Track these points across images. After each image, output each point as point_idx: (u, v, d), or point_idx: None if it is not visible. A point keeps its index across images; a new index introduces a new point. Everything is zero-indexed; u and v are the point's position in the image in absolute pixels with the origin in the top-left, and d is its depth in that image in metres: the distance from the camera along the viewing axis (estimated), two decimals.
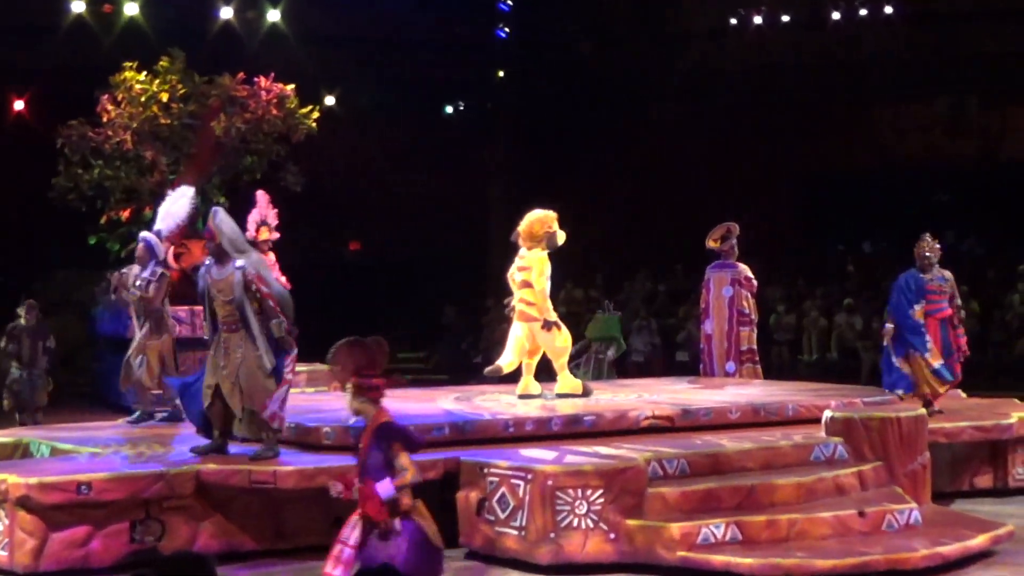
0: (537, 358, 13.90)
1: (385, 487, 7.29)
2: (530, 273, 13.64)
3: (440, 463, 10.89)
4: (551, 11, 30.18)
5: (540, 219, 13.81)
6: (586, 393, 13.83)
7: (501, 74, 31.61)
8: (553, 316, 13.71)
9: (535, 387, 13.87)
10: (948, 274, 13.92)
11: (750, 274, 16.74)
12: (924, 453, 11.72)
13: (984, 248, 28.49)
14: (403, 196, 28.84)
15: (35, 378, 16.77)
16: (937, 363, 13.59)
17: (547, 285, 13.64)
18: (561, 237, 13.80)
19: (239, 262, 10.91)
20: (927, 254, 13.77)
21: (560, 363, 13.82)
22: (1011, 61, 28.08)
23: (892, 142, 30.33)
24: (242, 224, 16.06)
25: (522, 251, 13.81)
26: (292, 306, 11.06)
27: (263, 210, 16.47)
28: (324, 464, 10.58)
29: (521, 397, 13.71)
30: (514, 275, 13.80)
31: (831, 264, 29.18)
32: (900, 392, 13.61)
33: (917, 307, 13.61)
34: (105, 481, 10.36)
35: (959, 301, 14.10)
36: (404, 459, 7.36)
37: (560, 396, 13.65)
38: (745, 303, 16.64)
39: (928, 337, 13.64)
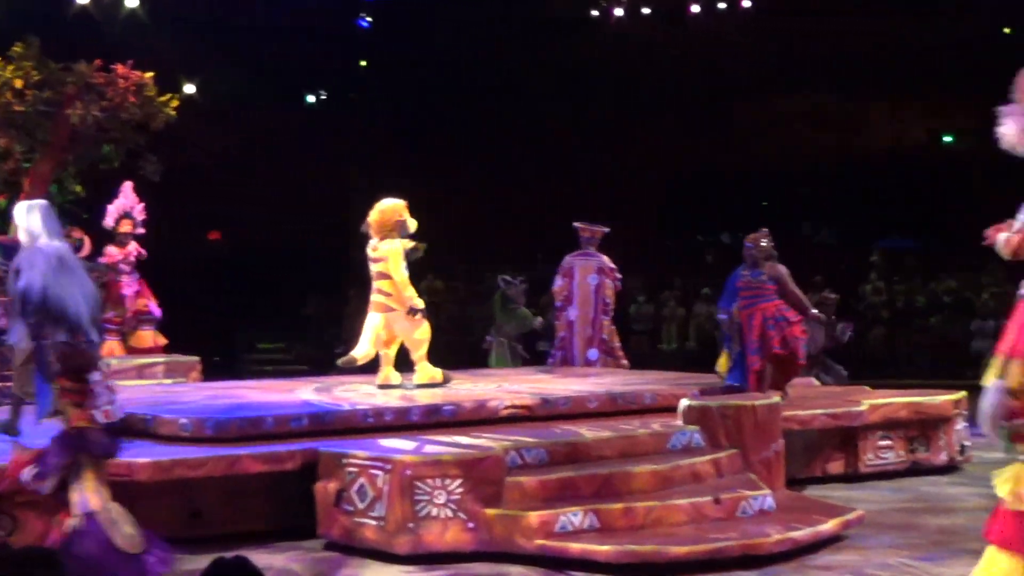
0: (395, 348, 13.90)
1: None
2: (386, 264, 13.63)
3: (298, 454, 10.83)
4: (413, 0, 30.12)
5: (391, 208, 13.80)
6: (446, 382, 13.87)
7: (364, 63, 31.48)
8: (419, 303, 13.69)
9: (395, 377, 13.87)
10: (778, 269, 13.41)
11: (613, 265, 16.91)
12: (778, 440, 11.89)
13: (838, 239, 29.02)
14: (264, 185, 28.61)
15: None
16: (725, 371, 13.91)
17: (406, 274, 13.64)
18: (412, 225, 13.80)
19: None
20: (748, 245, 13.54)
21: (419, 354, 13.81)
22: (869, 55, 28.60)
23: (752, 135, 30.75)
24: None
25: (373, 242, 13.79)
26: (43, 300, 10.29)
27: (128, 202, 16.20)
28: (180, 456, 10.47)
29: (381, 387, 13.70)
30: (370, 266, 13.80)
31: (690, 254, 29.52)
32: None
33: (731, 307, 13.67)
34: None
35: (795, 294, 13.52)
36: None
37: (420, 386, 13.66)
38: (609, 293, 16.81)
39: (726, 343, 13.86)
